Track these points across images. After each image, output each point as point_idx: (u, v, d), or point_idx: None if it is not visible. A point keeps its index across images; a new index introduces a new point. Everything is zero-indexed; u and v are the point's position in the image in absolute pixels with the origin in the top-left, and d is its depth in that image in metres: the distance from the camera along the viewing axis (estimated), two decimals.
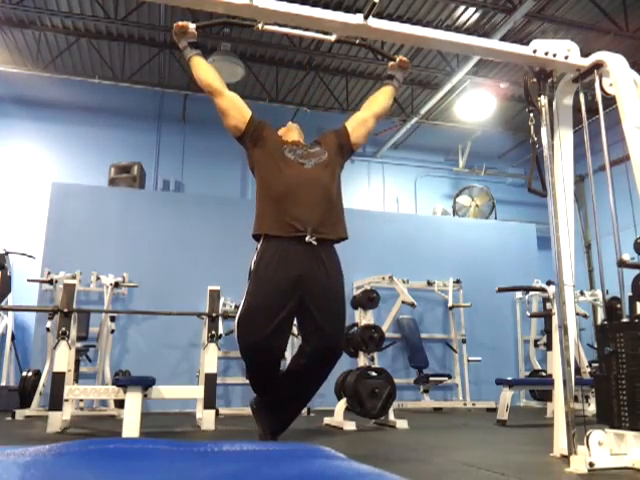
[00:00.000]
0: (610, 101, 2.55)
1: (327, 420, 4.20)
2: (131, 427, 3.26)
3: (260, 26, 2.61)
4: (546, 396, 5.44)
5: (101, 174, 6.96)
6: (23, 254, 5.58)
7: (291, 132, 2.83)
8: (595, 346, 3.21)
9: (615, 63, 2.49)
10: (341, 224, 2.66)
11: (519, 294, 6.99)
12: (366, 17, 2.35)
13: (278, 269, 2.47)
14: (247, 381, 2.68)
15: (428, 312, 6.96)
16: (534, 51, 2.52)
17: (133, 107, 8.01)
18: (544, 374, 5.90)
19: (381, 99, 2.87)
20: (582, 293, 6.65)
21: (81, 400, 4.90)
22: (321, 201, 2.58)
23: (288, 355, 4.14)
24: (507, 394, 4.42)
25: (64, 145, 7.63)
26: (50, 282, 5.38)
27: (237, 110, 2.67)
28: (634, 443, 2.19)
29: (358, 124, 2.85)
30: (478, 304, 6.70)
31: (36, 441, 3.15)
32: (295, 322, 2.63)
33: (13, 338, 6.16)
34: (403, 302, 5.56)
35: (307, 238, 2.46)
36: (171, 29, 2.65)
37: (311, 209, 2.53)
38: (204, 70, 2.64)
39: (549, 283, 5.08)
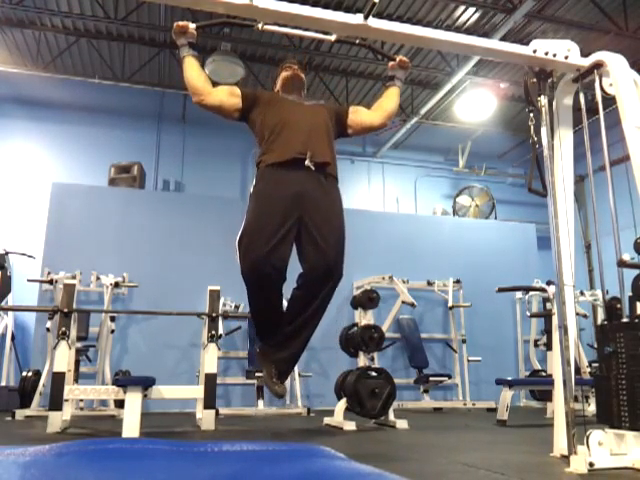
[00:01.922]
0: (610, 101, 2.55)
1: (327, 420, 4.20)
2: (131, 427, 3.26)
3: (260, 26, 2.60)
4: (546, 396, 5.44)
5: (101, 174, 6.97)
6: (23, 254, 5.58)
7: (290, 84, 2.80)
8: (595, 346, 3.21)
9: (615, 63, 2.49)
10: (336, 166, 2.64)
11: (519, 294, 6.99)
12: (366, 17, 2.34)
13: (277, 188, 2.47)
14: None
15: (428, 312, 6.96)
16: (534, 51, 2.52)
17: (133, 107, 8.01)
18: (544, 374, 5.90)
19: (386, 103, 2.82)
20: (582, 293, 6.64)
21: (81, 400, 4.90)
22: (320, 135, 2.60)
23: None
24: (507, 394, 4.42)
25: (64, 145, 7.63)
26: (50, 282, 5.38)
27: (229, 95, 2.66)
28: (634, 443, 2.19)
29: (360, 112, 2.83)
30: (478, 304, 6.70)
31: (36, 441, 3.15)
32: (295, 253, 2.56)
33: (13, 338, 6.17)
34: (403, 302, 5.57)
35: (307, 162, 2.46)
36: (171, 29, 2.63)
37: (310, 137, 2.54)
38: (195, 73, 2.59)
39: (549, 283, 5.07)
